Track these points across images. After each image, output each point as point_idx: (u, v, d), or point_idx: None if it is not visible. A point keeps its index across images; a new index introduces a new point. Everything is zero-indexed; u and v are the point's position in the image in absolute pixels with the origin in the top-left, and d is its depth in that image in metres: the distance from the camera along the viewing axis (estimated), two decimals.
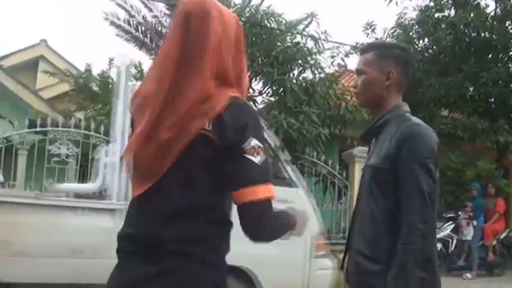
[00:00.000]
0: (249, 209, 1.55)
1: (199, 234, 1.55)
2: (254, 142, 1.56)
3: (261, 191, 1.55)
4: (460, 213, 10.74)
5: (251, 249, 2.06)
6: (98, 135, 8.36)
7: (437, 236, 9.81)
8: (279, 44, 9.96)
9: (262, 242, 1.69)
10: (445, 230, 10.50)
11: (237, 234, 1.62)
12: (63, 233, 4.68)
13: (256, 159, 1.55)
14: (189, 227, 1.55)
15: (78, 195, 5.24)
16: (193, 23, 1.62)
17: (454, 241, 10.60)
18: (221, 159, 1.56)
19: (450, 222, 10.66)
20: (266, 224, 1.60)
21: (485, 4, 12.90)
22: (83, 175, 8.94)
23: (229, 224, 1.65)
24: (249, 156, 1.55)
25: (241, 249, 1.88)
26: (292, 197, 5.14)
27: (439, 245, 9.83)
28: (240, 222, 1.57)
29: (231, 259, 1.67)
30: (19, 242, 4.54)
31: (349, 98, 10.51)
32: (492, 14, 12.63)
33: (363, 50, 2.39)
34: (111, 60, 12.66)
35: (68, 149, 8.32)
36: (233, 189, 1.56)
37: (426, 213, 2.01)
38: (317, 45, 10.70)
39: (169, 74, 1.59)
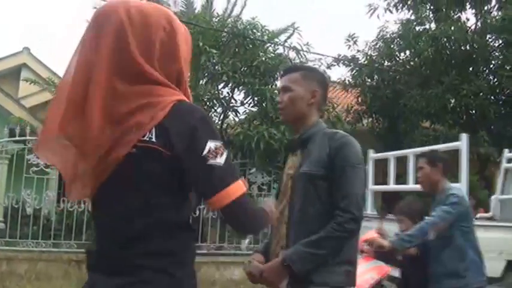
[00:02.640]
0: (228, 212, 1.55)
1: (165, 249, 1.53)
2: (211, 144, 1.51)
3: (233, 191, 1.53)
4: None
5: None
6: None
7: None
8: (261, 53, 9.99)
9: (252, 234, 1.78)
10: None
11: None
12: None
13: (219, 160, 1.51)
14: (154, 242, 1.52)
15: None
16: (104, 28, 1.54)
17: None
18: (178, 170, 1.51)
19: None
20: (248, 219, 1.61)
21: (466, 18, 13.09)
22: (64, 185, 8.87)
23: (193, 232, 1.67)
24: (211, 162, 1.50)
25: None
26: None
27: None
28: (227, 224, 1.63)
29: None
30: None
31: (331, 109, 10.55)
32: (473, 27, 12.78)
33: (289, 70, 2.62)
34: None
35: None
36: (206, 198, 1.54)
37: (359, 215, 2.28)
38: (299, 56, 10.77)
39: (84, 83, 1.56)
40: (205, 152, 1.49)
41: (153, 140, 1.49)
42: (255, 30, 10.19)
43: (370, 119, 13.94)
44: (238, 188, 1.54)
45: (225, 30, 10.34)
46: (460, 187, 4.17)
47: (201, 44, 9.35)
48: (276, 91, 9.74)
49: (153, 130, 1.49)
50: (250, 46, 10.03)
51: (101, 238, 1.62)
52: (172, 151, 1.49)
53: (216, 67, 9.89)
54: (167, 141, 1.49)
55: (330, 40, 23.48)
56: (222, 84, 10.40)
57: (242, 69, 9.84)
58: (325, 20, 45.23)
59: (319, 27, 39.89)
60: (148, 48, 1.55)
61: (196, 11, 12.60)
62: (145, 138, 1.48)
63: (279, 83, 2.63)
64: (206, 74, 10.24)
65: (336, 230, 2.24)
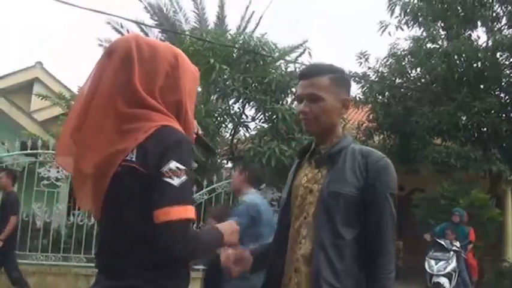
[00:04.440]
0: (160, 230, 1.58)
1: (153, 261, 1.64)
2: (172, 164, 1.60)
3: (175, 212, 1.57)
4: (442, 241, 9.89)
5: None
6: None
7: (445, 271, 9.39)
8: (272, 71, 10.03)
9: (181, 259, 1.70)
10: (451, 262, 9.60)
11: None
12: None
13: (174, 181, 1.59)
14: (141, 254, 1.64)
15: None
16: (114, 54, 1.74)
17: (456, 275, 9.69)
18: (148, 187, 1.62)
19: (452, 254, 9.71)
20: (179, 245, 1.60)
21: (477, 36, 13.09)
22: (74, 198, 8.86)
23: None
24: (166, 179, 1.59)
25: None
26: None
27: (444, 280, 9.32)
28: (155, 241, 1.60)
29: None
30: None
31: (342, 125, 10.54)
32: (484, 45, 12.77)
33: (314, 72, 2.22)
34: None
35: (57, 172, 8.27)
36: (152, 212, 1.59)
37: (393, 244, 2.11)
38: None
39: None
40: (165, 168, 1.60)
41: (133, 159, 1.63)
42: (265, 47, 10.24)
43: (382, 136, 13.90)
44: (181, 212, 1.58)
45: (236, 46, 10.40)
46: (254, 195, 4.31)
47: (211, 60, 9.40)
48: (288, 110, 9.72)
49: (135, 150, 1.64)
50: (261, 63, 10.06)
51: (100, 246, 1.80)
52: (148, 169, 1.62)
53: (227, 83, 9.92)
54: (145, 160, 1.62)
55: (341, 57, 23.49)
56: (232, 100, 10.44)
57: (253, 85, 9.87)
58: (336, 36, 45.47)
59: (330, 43, 40.05)
60: (151, 77, 1.71)
61: (209, 27, 12.71)
62: (127, 157, 1.63)
63: (299, 87, 2.23)
64: (217, 90, 10.28)
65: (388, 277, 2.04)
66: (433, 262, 9.59)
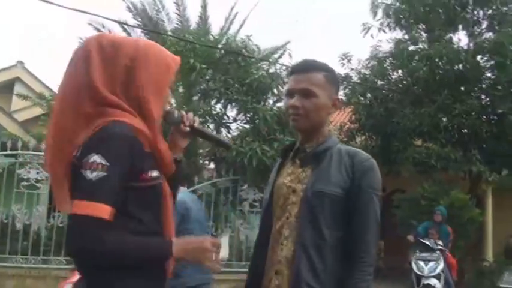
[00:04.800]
0: (68, 223, 1.56)
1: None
2: (93, 158, 1.54)
3: (81, 207, 1.51)
4: (426, 241, 9.62)
5: None
6: None
7: (436, 272, 9.11)
8: (254, 71, 10.03)
9: (82, 258, 1.58)
10: (440, 263, 9.36)
11: None
12: None
13: (90, 174, 1.53)
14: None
15: None
16: (74, 60, 1.75)
17: (444, 275, 9.39)
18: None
19: (439, 254, 9.48)
20: (76, 241, 1.52)
21: (459, 39, 13.25)
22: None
23: None
24: (82, 171, 1.54)
25: None
26: None
27: (435, 281, 9.10)
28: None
29: None
30: None
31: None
32: (465, 48, 12.91)
33: (309, 67, 2.18)
34: None
35: (37, 173, 8.18)
36: None
37: (376, 245, 2.09)
38: None
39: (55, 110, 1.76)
40: (84, 159, 1.56)
41: (78, 155, 1.62)
42: (247, 48, 10.24)
43: (363, 137, 13.98)
44: (87, 207, 1.51)
45: (218, 47, 10.40)
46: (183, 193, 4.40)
47: (192, 61, 9.38)
48: (269, 110, 9.72)
49: (81, 147, 1.62)
50: (243, 64, 10.07)
51: None
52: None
53: (209, 83, 9.91)
54: (81, 155, 1.60)
55: (324, 58, 23.50)
56: (214, 101, 10.43)
57: (234, 86, 9.86)
58: (319, 38, 45.62)
59: (313, 45, 40.19)
60: (112, 74, 1.69)
61: (191, 28, 12.68)
62: (75, 154, 1.64)
63: (291, 81, 2.18)
64: (198, 91, 10.27)
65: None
66: (422, 263, 9.36)
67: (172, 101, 9.45)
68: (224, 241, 1.86)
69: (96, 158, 1.54)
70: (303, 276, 2.01)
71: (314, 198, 2.05)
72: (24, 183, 8.25)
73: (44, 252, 8.36)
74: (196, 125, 1.92)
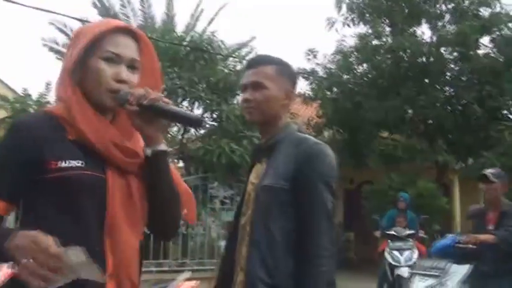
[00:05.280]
0: None
1: None
2: None
3: None
4: (393, 231, 9.05)
5: None
6: None
7: (412, 261, 8.55)
8: (220, 68, 10.00)
9: None
10: (415, 251, 8.92)
11: None
12: None
13: None
14: None
15: None
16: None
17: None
18: None
19: (412, 242, 9.02)
20: None
21: (422, 32, 13.46)
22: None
23: None
24: None
25: None
26: None
27: (406, 269, 8.43)
28: None
29: None
30: None
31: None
32: (428, 41, 13.12)
33: (261, 61, 2.22)
34: (48, 84, 12.34)
35: None
36: None
37: (332, 233, 2.01)
38: None
39: None
40: None
41: None
42: (213, 45, 10.20)
43: (331, 131, 14.09)
44: None
45: (183, 44, 10.34)
46: None
47: None
48: (233, 110, 9.67)
49: None
50: (209, 61, 10.03)
51: None
52: None
53: (173, 81, 9.84)
54: None
55: (289, 54, 23.63)
56: (180, 99, 10.37)
57: (200, 84, 9.81)
58: (284, 33, 45.72)
59: (279, 40, 40.28)
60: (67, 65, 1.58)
61: (156, 25, 12.57)
62: None
63: (244, 77, 2.21)
64: (164, 89, 10.18)
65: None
66: (396, 253, 8.90)
67: None
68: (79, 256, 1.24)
69: None
70: (257, 273, 1.99)
71: (262, 194, 2.04)
72: None
73: None
74: (146, 102, 1.48)
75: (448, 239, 6.19)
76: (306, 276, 1.95)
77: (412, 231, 9.02)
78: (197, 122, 1.63)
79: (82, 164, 1.47)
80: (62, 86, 1.54)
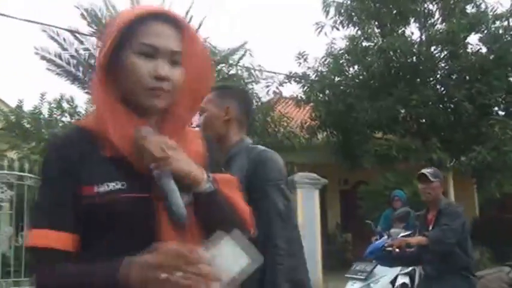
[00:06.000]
0: None
1: None
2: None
3: (29, 237, 1.26)
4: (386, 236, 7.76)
5: None
6: (32, 176, 8.06)
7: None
8: (214, 75, 10.05)
9: None
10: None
11: None
12: None
13: (37, 197, 1.31)
14: None
15: None
16: None
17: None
18: None
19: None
20: (34, 275, 1.24)
21: (411, 32, 13.59)
22: (20, 219, 8.40)
23: None
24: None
25: None
26: None
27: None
28: None
29: None
30: None
31: (285, 124, 10.70)
32: (418, 40, 13.25)
33: None
34: (42, 95, 12.38)
35: (2, 192, 7.98)
36: None
37: (288, 232, 2.15)
38: (252, 76, 10.93)
39: None
40: None
41: None
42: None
43: (325, 133, 14.18)
44: (31, 237, 1.25)
45: None
46: None
47: None
48: None
49: None
50: None
51: None
52: None
53: None
54: None
55: (281, 58, 23.79)
56: None
57: None
58: (275, 37, 45.90)
59: (270, 45, 40.44)
60: None
61: None
62: None
63: None
64: None
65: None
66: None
67: None
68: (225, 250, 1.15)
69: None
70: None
71: None
72: None
73: (14, 274, 8.07)
74: (154, 170, 1.28)
75: (380, 241, 6.19)
76: (267, 275, 2.05)
77: (408, 232, 7.68)
78: (178, 219, 1.25)
79: (122, 185, 1.26)
80: (94, 86, 1.35)
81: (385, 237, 6.22)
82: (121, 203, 1.24)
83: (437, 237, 4.44)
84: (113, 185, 1.25)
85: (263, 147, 2.32)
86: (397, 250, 4.83)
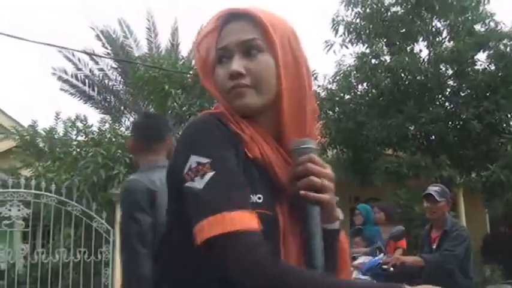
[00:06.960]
0: (208, 255, 1.08)
1: None
2: (192, 160, 1.12)
3: (208, 226, 1.05)
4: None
5: None
6: (49, 194, 8.22)
7: None
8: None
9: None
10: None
11: None
12: None
13: (198, 183, 1.09)
14: None
15: None
16: None
17: None
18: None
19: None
20: (233, 267, 1.05)
21: (419, 50, 13.71)
22: (33, 236, 8.55)
23: None
24: (188, 184, 1.11)
25: None
26: None
27: None
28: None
29: None
30: None
31: None
32: (426, 58, 13.38)
33: None
34: (57, 114, 12.59)
35: (18, 210, 8.11)
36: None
37: (136, 254, 2.38)
38: None
39: None
40: (186, 169, 1.13)
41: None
42: None
43: (335, 151, 14.26)
44: (215, 223, 1.05)
45: (190, 72, 10.58)
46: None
47: (167, 86, 9.54)
48: None
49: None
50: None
51: None
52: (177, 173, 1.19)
53: (183, 108, 10.06)
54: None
55: None
56: None
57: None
58: None
59: None
60: None
61: (162, 53, 12.84)
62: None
63: None
64: (174, 116, 10.41)
65: None
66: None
67: None
68: None
69: (195, 160, 1.12)
70: None
71: None
72: (6, 221, 8.15)
73: None
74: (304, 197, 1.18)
75: (376, 259, 5.97)
76: None
77: (368, 258, 6.47)
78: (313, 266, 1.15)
79: (259, 198, 1.14)
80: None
81: (381, 254, 6.13)
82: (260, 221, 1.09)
83: (436, 261, 4.48)
84: (255, 198, 1.14)
85: (134, 175, 2.70)
86: (392, 269, 4.88)
